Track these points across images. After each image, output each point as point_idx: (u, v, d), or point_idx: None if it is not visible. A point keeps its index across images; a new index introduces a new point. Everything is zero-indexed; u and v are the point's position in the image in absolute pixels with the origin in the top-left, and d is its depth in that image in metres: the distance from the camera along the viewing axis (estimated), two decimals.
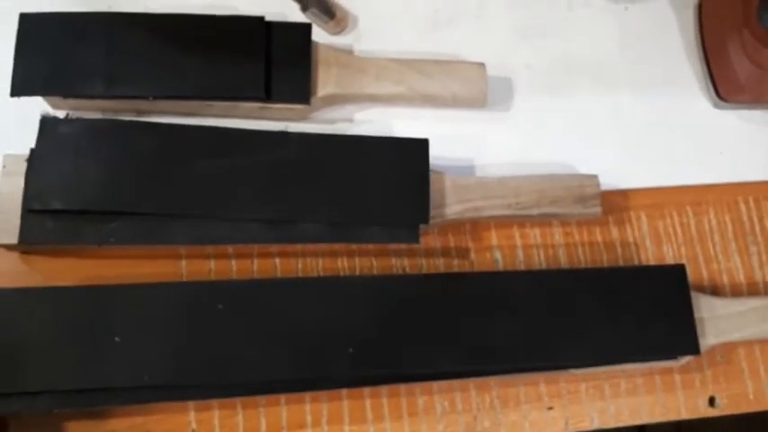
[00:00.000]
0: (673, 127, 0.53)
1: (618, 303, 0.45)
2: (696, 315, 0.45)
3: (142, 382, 0.40)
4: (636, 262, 0.50)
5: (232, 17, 0.47)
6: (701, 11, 0.55)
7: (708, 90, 0.54)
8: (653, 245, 0.50)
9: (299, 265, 0.46)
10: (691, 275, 0.46)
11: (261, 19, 0.47)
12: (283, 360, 0.41)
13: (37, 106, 0.46)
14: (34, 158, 0.43)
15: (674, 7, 0.56)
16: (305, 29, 0.48)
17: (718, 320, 0.46)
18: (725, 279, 0.50)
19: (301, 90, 0.47)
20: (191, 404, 0.43)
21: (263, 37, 0.46)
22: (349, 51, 0.51)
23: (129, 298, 0.41)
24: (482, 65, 0.49)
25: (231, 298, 0.42)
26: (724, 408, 0.47)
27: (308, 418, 0.44)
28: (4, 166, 0.43)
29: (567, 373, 0.46)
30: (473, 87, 0.49)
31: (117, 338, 0.40)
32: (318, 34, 0.50)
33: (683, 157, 0.52)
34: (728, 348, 0.48)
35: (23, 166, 0.43)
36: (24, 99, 0.44)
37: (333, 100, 0.48)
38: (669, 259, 0.50)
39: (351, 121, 0.50)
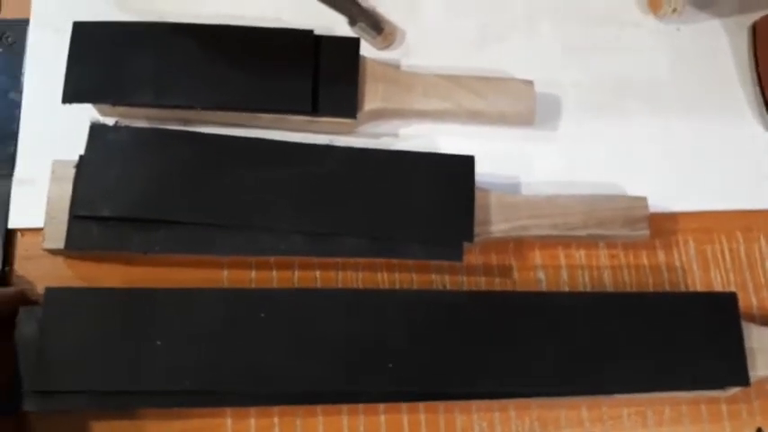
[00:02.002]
0: (724, 150, 0.52)
1: (665, 330, 0.44)
2: (746, 345, 0.44)
3: (182, 387, 0.40)
4: (682, 287, 0.48)
5: (281, 30, 0.47)
6: (755, 33, 0.54)
7: (761, 113, 0.52)
8: (700, 270, 0.49)
9: (339, 278, 0.46)
10: (740, 303, 0.45)
11: (310, 32, 0.47)
12: (322, 371, 0.41)
13: (87, 113, 0.46)
14: (83, 165, 0.43)
15: (727, 29, 0.55)
16: (353, 43, 0.48)
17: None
18: None
19: (348, 104, 0.46)
20: (228, 412, 0.43)
21: (312, 50, 0.47)
22: (396, 66, 0.50)
23: (173, 302, 0.42)
24: (530, 82, 0.49)
25: (273, 306, 0.42)
26: None
27: None
28: (54, 172, 0.43)
29: (609, 398, 0.45)
30: (521, 105, 0.48)
31: (158, 342, 0.40)
32: (366, 49, 0.50)
33: (734, 182, 0.51)
34: None
35: (72, 173, 0.43)
36: (75, 106, 0.45)
37: (379, 115, 0.48)
38: (717, 285, 0.49)
39: (396, 136, 0.49)
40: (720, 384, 0.44)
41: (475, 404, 0.45)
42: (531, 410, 0.45)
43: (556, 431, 0.45)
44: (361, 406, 0.44)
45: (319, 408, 0.43)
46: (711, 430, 0.46)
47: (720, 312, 0.45)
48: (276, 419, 0.43)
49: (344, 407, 0.44)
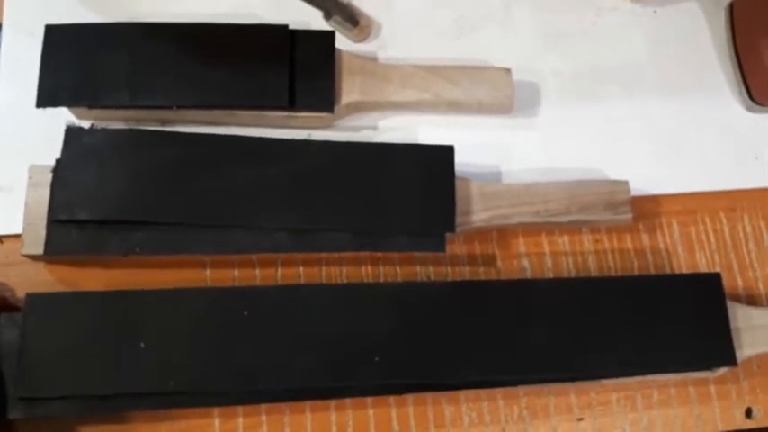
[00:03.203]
0: (705, 131, 0.52)
1: (651, 313, 0.44)
2: (732, 325, 0.44)
3: (167, 388, 0.40)
4: (668, 269, 0.48)
5: (256, 26, 0.47)
6: (732, 13, 0.54)
7: (741, 93, 0.52)
8: (685, 252, 0.49)
9: (323, 273, 0.46)
10: (725, 284, 0.45)
11: (285, 27, 0.47)
12: (309, 367, 0.41)
13: (63, 117, 0.46)
14: (60, 169, 0.43)
15: (704, 10, 0.55)
16: (328, 37, 0.47)
17: (754, 330, 0.45)
18: (761, 288, 0.49)
19: (325, 98, 0.46)
20: (215, 412, 0.43)
21: (287, 45, 0.46)
22: (373, 59, 0.50)
23: (155, 303, 0.41)
24: (508, 71, 0.49)
25: (257, 304, 0.42)
26: (761, 419, 0.46)
27: (334, 429, 0.43)
28: (30, 177, 0.43)
29: (597, 384, 0.45)
30: (499, 94, 0.48)
31: (142, 344, 0.40)
32: (342, 42, 0.49)
33: (716, 162, 0.51)
34: (765, 359, 0.47)
35: (49, 177, 0.43)
36: (50, 110, 0.45)
37: (357, 108, 0.48)
38: (702, 267, 0.49)
39: (375, 128, 0.49)
40: (708, 365, 0.44)
41: (463, 394, 0.44)
42: (519, 399, 0.45)
43: (545, 418, 0.45)
44: (348, 401, 0.43)
45: (307, 404, 0.43)
46: (701, 411, 0.46)
47: (705, 293, 0.45)
48: (264, 417, 0.43)
49: (332, 402, 0.43)
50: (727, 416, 0.46)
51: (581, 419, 0.45)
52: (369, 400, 0.44)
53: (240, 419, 0.43)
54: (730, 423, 0.46)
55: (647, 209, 0.49)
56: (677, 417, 0.45)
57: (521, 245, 0.48)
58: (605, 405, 0.45)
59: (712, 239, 0.49)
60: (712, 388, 0.46)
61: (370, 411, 0.44)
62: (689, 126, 0.52)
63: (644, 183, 0.49)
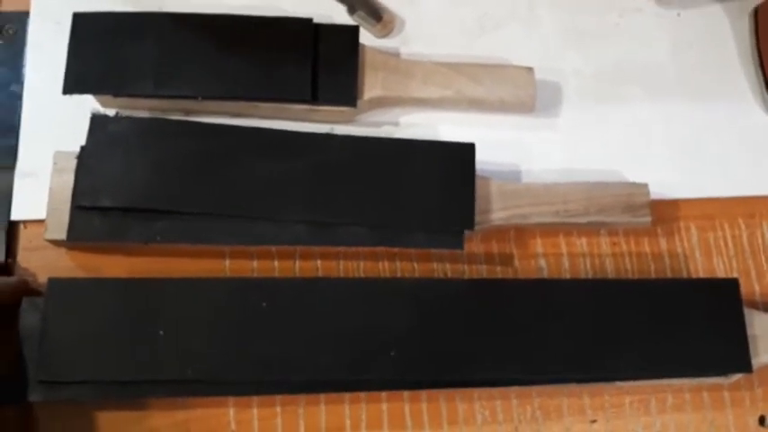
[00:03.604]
0: (726, 136, 0.51)
1: (667, 317, 0.44)
2: (748, 332, 0.43)
3: (185, 376, 0.40)
4: (685, 274, 0.48)
5: (281, 18, 0.47)
6: (756, 18, 0.54)
7: (763, 98, 0.52)
8: (703, 257, 0.49)
9: (341, 267, 0.46)
10: (742, 290, 0.45)
11: (309, 21, 0.47)
12: (325, 360, 0.41)
13: (88, 104, 0.46)
14: (84, 156, 0.43)
15: (729, 14, 0.54)
16: (352, 31, 0.47)
17: None
18: None
19: (348, 93, 0.46)
20: (230, 402, 0.43)
21: (311, 39, 0.46)
22: (396, 54, 0.50)
23: (175, 291, 0.42)
24: (531, 69, 0.49)
25: (275, 296, 0.42)
26: None
27: (347, 422, 0.44)
28: (55, 163, 0.43)
29: (611, 386, 0.45)
30: (521, 92, 0.48)
31: (161, 331, 0.41)
32: (365, 37, 0.49)
33: (736, 168, 0.51)
34: None
35: (74, 164, 0.43)
36: (76, 97, 0.45)
37: (379, 103, 0.48)
38: (719, 272, 0.49)
39: (397, 124, 0.49)
40: (723, 371, 0.44)
41: (477, 392, 0.45)
42: (532, 398, 0.45)
43: (558, 419, 0.45)
44: (363, 394, 0.44)
45: (322, 397, 0.44)
46: (714, 418, 0.46)
47: (722, 298, 0.44)
48: (278, 408, 0.43)
49: (347, 395, 0.44)
50: (740, 423, 0.45)
51: (594, 421, 0.45)
52: (383, 394, 0.44)
53: (255, 410, 0.43)
54: (743, 430, 0.45)
55: (665, 212, 0.49)
56: (690, 422, 0.45)
57: (538, 245, 0.48)
58: (619, 408, 0.45)
59: (730, 245, 0.49)
60: (726, 394, 0.46)
61: (384, 406, 0.44)
62: (710, 130, 0.51)
63: (663, 186, 0.49)
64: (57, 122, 0.47)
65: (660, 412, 0.45)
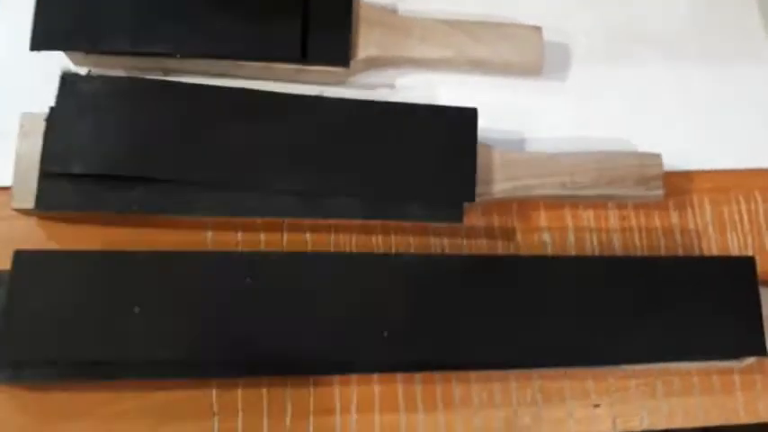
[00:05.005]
0: (745, 103, 0.48)
1: (678, 297, 0.41)
2: (763, 312, 0.41)
3: (162, 356, 0.38)
4: (696, 251, 0.46)
5: None
6: None
7: None
8: (716, 233, 0.46)
9: (332, 240, 0.43)
10: (758, 268, 0.42)
11: None
12: (313, 340, 0.39)
13: (58, 62, 0.43)
14: (53, 118, 0.40)
15: None
16: None
17: None
18: None
19: (340, 51, 0.43)
20: (213, 383, 0.41)
21: None
22: (393, 10, 0.47)
23: (152, 266, 0.39)
24: (538, 29, 0.46)
25: (260, 271, 0.40)
26: None
27: (337, 404, 0.41)
28: (22, 126, 0.40)
29: (616, 369, 0.43)
30: (527, 53, 0.45)
31: (136, 309, 0.38)
32: None
33: (754, 137, 0.48)
34: None
35: (42, 126, 0.40)
36: (45, 54, 0.42)
37: (374, 63, 0.45)
38: (734, 249, 0.46)
39: (392, 86, 0.46)
40: (736, 354, 0.42)
41: (474, 374, 0.42)
42: (533, 381, 0.43)
43: (560, 403, 0.43)
44: (354, 376, 0.41)
45: (310, 378, 0.41)
46: (724, 402, 0.43)
47: (737, 278, 0.42)
48: (264, 390, 0.41)
49: (336, 377, 0.41)
50: (751, 407, 0.44)
51: (597, 406, 0.43)
52: (375, 376, 0.42)
53: (239, 391, 0.41)
54: (754, 415, 0.44)
55: (677, 185, 0.46)
56: (699, 406, 0.43)
57: (542, 218, 0.45)
58: (623, 391, 0.43)
59: (745, 220, 0.47)
60: (737, 378, 0.44)
61: (376, 388, 0.42)
62: (728, 97, 0.49)
63: (676, 156, 0.46)
64: (24, 82, 0.43)
65: (667, 396, 0.43)
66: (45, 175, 0.40)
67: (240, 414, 0.40)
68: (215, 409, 0.40)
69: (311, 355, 0.39)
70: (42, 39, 0.42)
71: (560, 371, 0.42)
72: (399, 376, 0.42)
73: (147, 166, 0.40)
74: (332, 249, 0.43)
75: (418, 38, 0.45)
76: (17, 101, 0.41)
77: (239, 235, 0.43)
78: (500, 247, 0.45)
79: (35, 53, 0.42)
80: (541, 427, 0.42)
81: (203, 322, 0.39)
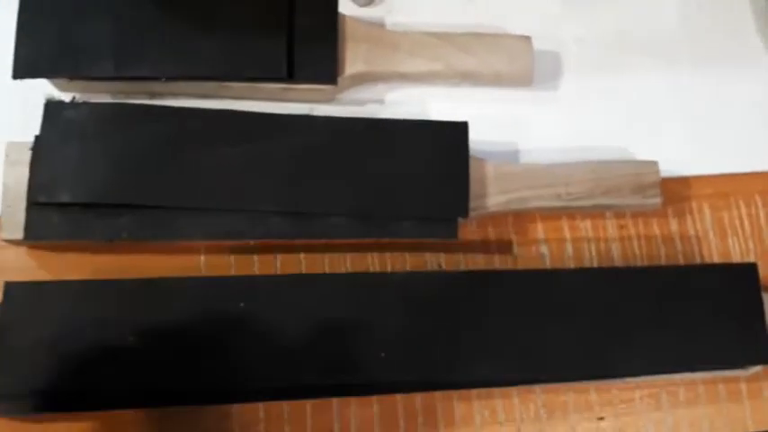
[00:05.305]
0: (740, 107, 0.48)
1: (680, 306, 0.41)
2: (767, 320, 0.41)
3: (158, 385, 0.38)
4: (697, 257, 0.45)
5: None
6: None
7: None
8: (717, 239, 0.46)
9: (326, 261, 0.43)
10: (760, 274, 0.42)
11: None
12: (310, 364, 0.38)
13: (43, 90, 0.43)
14: (39, 147, 0.40)
15: None
16: (330, 0, 0.44)
17: None
18: None
19: (327, 69, 0.43)
20: (209, 410, 0.40)
21: (286, 10, 0.43)
22: (380, 25, 0.47)
23: (144, 293, 0.39)
24: (528, 39, 0.45)
25: (254, 295, 0.39)
26: None
27: (336, 425, 0.41)
28: (8, 155, 0.40)
29: (619, 381, 0.42)
30: (518, 64, 0.45)
31: (130, 338, 0.38)
32: (346, 6, 0.46)
33: (752, 142, 0.47)
34: None
35: (28, 155, 0.40)
36: (28, 82, 0.41)
37: (362, 79, 0.45)
38: (735, 255, 0.45)
39: (382, 102, 0.46)
40: (740, 363, 0.41)
41: (475, 391, 0.42)
42: (536, 396, 0.42)
43: (563, 417, 0.42)
44: (352, 398, 0.41)
45: (308, 403, 0.41)
46: (730, 410, 0.43)
47: (739, 285, 0.41)
48: (262, 414, 0.40)
49: (334, 399, 0.41)
50: (758, 416, 0.43)
51: (602, 419, 0.42)
52: (374, 396, 0.41)
53: (234, 416, 0.40)
54: (762, 424, 0.43)
55: (676, 191, 0.46)
56: (705, 416, 0.42)
57: (539, 230, 0.44)
58: (628, 403, 0.42)
59: (746, 225, 0.46)
60: (743, 386, 0.43)
61: (375, 408, 0.41)
62: (723, 100, 0.48)
63: (673, 163, 0.45)
64: (8, 111, 0.43)
65: (672, 407, 0.42)
66: (33, 204, 0.39)
67: None
68: None
69: (308, 379, 0.38)
70: (25, 66, 0.41)
71: (564, 384, 0.42)
72: (399, 396, 0.41)
73: (135, 192, 0.40)
74: (326, 270, 0.43)
75: (406, 52, 0.44)
76: (1, 130, 0.41)
77: (232, 258, 0.42)
78: (497, 261, 0.44)
79: (18, 81, 0.41)
80: None
81: (197, 349, 0.38)
